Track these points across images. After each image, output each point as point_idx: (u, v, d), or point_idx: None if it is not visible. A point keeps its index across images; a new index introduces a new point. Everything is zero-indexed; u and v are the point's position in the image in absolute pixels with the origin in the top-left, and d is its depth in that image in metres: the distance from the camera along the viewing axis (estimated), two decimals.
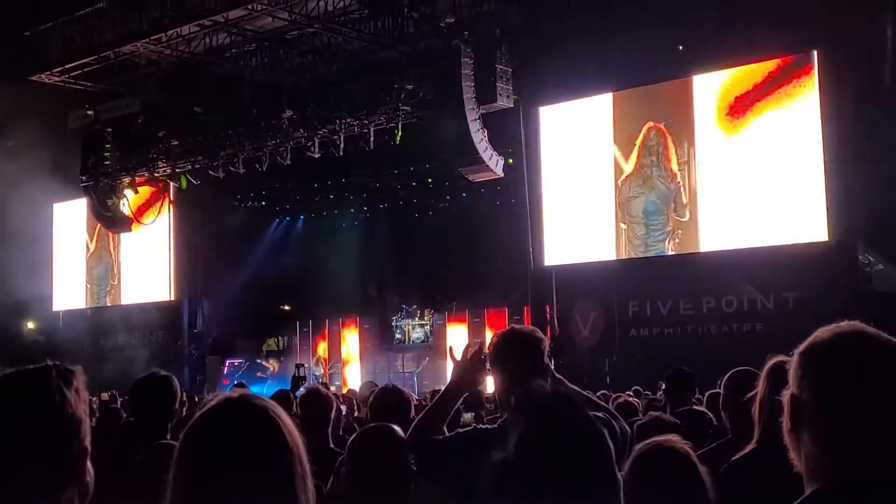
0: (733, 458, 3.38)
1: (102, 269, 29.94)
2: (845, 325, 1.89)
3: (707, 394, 6.55)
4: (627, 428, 3.78)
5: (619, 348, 19.99)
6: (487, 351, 3.52)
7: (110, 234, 28.83)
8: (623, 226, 20.23)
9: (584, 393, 3.80)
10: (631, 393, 11.42)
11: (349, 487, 2.71)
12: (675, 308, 19.73)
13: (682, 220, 19.49)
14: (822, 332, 1.88)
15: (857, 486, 1.75)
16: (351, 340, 27.47)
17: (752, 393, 3.35)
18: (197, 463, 1.64)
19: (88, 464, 1.78)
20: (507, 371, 3.38)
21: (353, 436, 2.85)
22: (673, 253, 19.64)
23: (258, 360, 28.53)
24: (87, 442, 1.77)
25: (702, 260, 19.26)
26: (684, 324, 19.56)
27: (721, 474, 2.88)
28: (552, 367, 3.58)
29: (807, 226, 17.86)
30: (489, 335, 24.16)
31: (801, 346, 1.90)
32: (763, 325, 18.48)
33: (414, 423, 3.36)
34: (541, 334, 3.50)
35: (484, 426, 3.36)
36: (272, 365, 27.84)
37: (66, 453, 1.73)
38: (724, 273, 18.88)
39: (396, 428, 2.84)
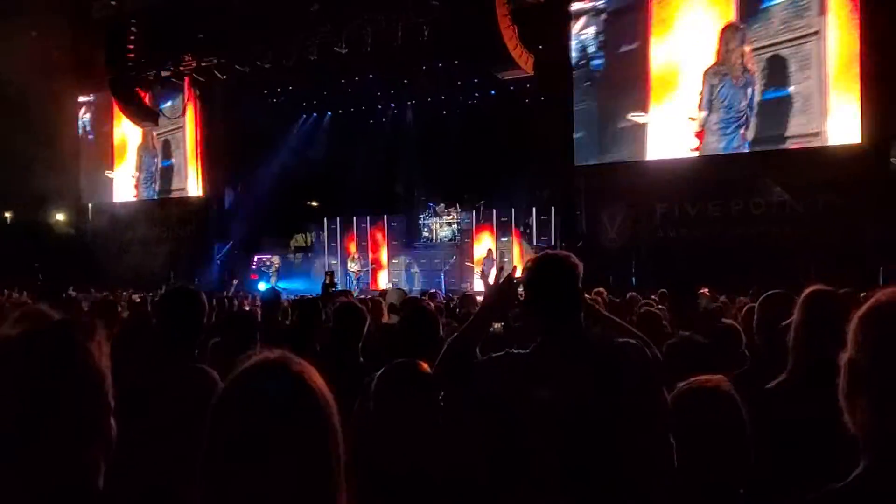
0: (767, 387, 3.33)
1: (128, 163, 30.01)
2: None
3: (745, 308, 6.46)
4: (657, 353, 3.74)
5: (646, 250, 19.91)
6: (521, 276, 3.46)
7: (137, 128, 28.78)
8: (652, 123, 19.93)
9: (615, 319, 3.74)
10: (657, 297, 11.37)
11: (378, 422, 2.70)
12: (703, 210, 19.56)
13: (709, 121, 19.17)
14: (884, 295, 1.78)
15: None
16: (378, 238, 27.55)
17: (788, 321, 3.28)
18: (231, 430, 1.63)
19: (112, 419, 1.76)
20: (541, 299, 3.32)
21: (381, 372, 2.82)
22: (704, 154, 19.37)
23: (286, 256, 28.75)
24: (110, 397, 1.75)
25: (731, 162, 18.99)
26: (712, 226, 19.41)
27: (754, 403, 2.82)
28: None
29: (840, 128, 17.52)
30: (515, 235, 24.21)
31: (861, 310, 1.80)
32: (792, 227, 18.30)
33: (448, 347, 3.34)
34: (575, 260, 3.42)
35: (517, 351, 3.30)
36: (300, 262, 28.08)
37: (90, 409, 1.71)
38: (754, 175, 18.66)
39: (423, 366, 2.81)
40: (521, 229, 23.99)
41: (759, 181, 18.76)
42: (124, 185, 30.19)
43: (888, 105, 16.89)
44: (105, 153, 30.53)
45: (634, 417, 1.81)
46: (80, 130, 30.86)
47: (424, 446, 2.71)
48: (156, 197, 29.44)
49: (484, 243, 25.08)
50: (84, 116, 30.80)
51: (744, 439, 2.44)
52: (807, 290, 3.24)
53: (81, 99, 30.37)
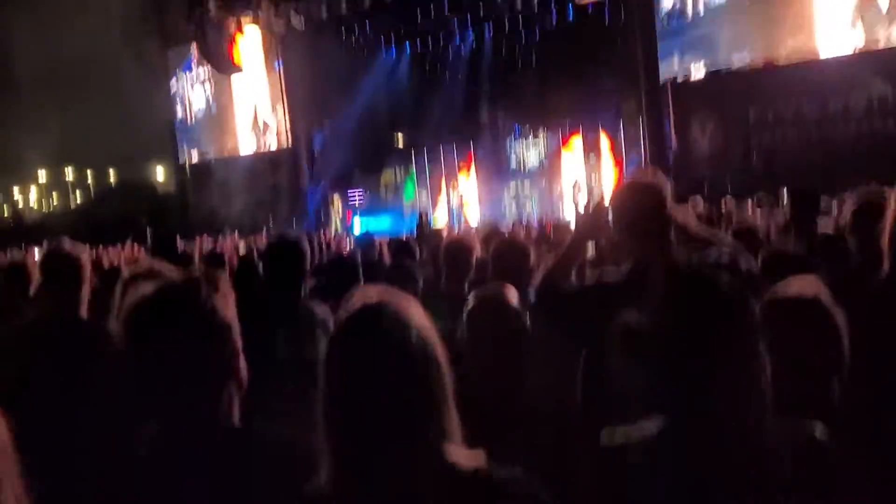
0: (862, 288, 3.34)
1: (220, 116, 30.51)
2: None
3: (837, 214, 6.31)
4: (754, 262, 3.76)
5: (740, 156, 19.51)
6: (609, 203, 3.52)
7: (223, 78, 29.17)
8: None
9: (706, 233, 3.77)
10: (753, 201, 11.17)
11: (468, 349, 2.81)
12: (798, 111, 19.00)
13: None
14: None
15: None
16: (468, 169, 27.57)
17: (882, 221, 3.26)
18: (343, 372, 1.74)
19: (242, 361, 1.93)
20: (629, 225, 3.39)
21: (471, 301, 2.94)
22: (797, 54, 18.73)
23: (376, 193, 29.02)
24: (239, 343, 1.92)
25: (826, 63, 18.35)
26: (809, 127, 18.86)
27: (852, 308, 2.85)
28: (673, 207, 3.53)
29: None
30: (605, 156, 23.96)
31: None
32: (894, 122, 17.68)
33: (543, 276, 3.45)
34: (662, 183, 3.46)
35: (607, 281, 3.39)
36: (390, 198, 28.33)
37: (221, 354, 1.89)
38: (852, 73, 18.01)
39: (511, 293, 2.91)
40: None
41: (858, 77, 18.07)
42: (215, 136, 30.73)
43: None
44: (196, 108, 31.02)
45: (723, 349, 1.87)
46: (171, 85, 31.36)
47: (513, 374, 2.83)
48: (248, 151, 29.94)
49: (572, 166, 24.89)
50: (173, 69, 31.24)
51: (836, 339, 2.48)
52: None
53: (170, 52, 30.77)
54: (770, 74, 19.05)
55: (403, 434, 1.71)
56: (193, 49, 27.91)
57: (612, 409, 2.51)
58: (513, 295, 2.93)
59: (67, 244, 3.83)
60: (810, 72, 18.48)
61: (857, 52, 17.96)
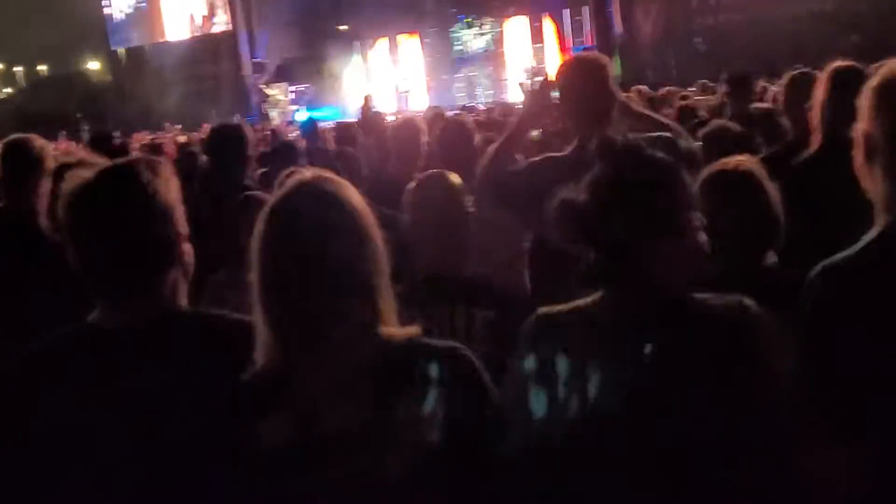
0: (795, 162, 3.44)
1: (155, 4, 29.60)
2: None
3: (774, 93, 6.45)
4: (693, 143, 3.83)
5: (683, 40, 19.51)
6: (554, 80, 3.54)
7: None
8: None
9: (648, 113, 3.83)
10: (696, 88, 11.27)
11: (411, 234, 2.84)
12: None
13: None
14: (894, 64, 1.85)
15: None
16: (413, 56, 27.24)
17: (812, 101, 3.34)
18: (276, 248, 1.74)
19: (186, 245, 1.94)
20: (573, 100, 3.42)
21: (412, 184, 2.96)
22: None
23: (321, 83, 28.56)
24: (182, 226, 1.92)
25: None
26: (748, 9, 18.85)
27: (781, 178, 2.94)
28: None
29: None
30: (549, 41, 23.79)
31: (873, 80, 1.87)
32: (833, 4, 17.74)
33: (490, 157, 3.48)
34: (605, 60, 3.49)
35: (551, 159, 3.43)
36: (335, 88, 27.86)
37: (165, 238, 1.89)
38: None
39: (451, 176, 2.93)
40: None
41: None
42: (151, 25, 29.86)
43: None
44: None
45: (657, 219, 1.91)
46: None
47: (458, 250, 2.86)
48: (185, 36, 29.16)
49: (518, 52, 24.70)
50: None
51: (771, 210, 2.57)
52: (829, 67, 3.29)
53: None
54: None
55: (338, 314, 1.71)
56: None
57: (556, 286, 2.57)
58: (454, 177, 2.95)
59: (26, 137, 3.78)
60: None
61: None
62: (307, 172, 1.83)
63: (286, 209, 1.76)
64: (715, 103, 7.29)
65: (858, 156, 1.89)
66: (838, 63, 3.29)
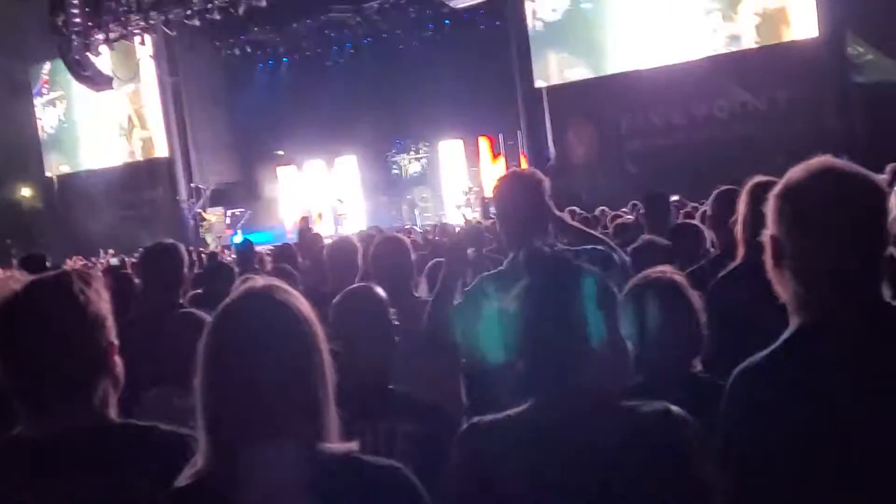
0: (719, 275, 3.54)
1: (90, 130, 29.68)
2: (816, 162, 1.93)
3: (701, 211, 6.67)
4: (626, 257, 3.93)
5: (615, 163, 20.08)
6: (491, 196, 3.65)
7: (93, 93, 28.39)
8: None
9: (581, 227, 3.93)
10: (627, 209, 11.57)
11: (335, 343, 2.85)
12: (667, 118, 19.67)
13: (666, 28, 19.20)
14: (795, 172, 1.93)
15: (840, 321, 1.85)
16: (350, 180, 27.56)
17: (736, 215, 3.47)
18: (222, 357, 1.71)
19: (117, 357, 1.93)
20: (510, 216, 3.50)
21: (337, 299, 2.98)
22: (660, 65, 19.41)
23: (258, 208, 28.64)
24: (113, 337, 1.91)
25: (692, 67, 19.06)
26: (677, 132, 19.55)
27: (708, 291, 3.03)
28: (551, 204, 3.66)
29: (796, 22, 17.61)
30: (484, 163, 24.27)
31: (776, 188, 1.96)
32: (756, 127, 18.49)
33: (431, 303, 3.57)
34: (540, 176, 3.59)
35: (489, 272, 3.50)
36: (272, 212, 27.96)
37: (96, 349, 1.87)
38: (715, 78, 18.79)
39: (376, 290, 2.96)
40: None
41: (719, 84, 18.86)
42: (87, 150, 29.88)
43: None
44: (63, 122, 30.14)
45: (585, 328, 1.96)
46: (35, 99, 30.37)
47: (381, 363, 2.86)
48: (120, 163, 29.17)
49: (453, 175, 25.17)
50: (39, 84, 30.28)
51: (694, 319, 2.65)
52: (749, 183, 3.43)
53: (32, 68, 29.85)
54: (638, 81, 19.67)
55: (280, 428, 1.68)
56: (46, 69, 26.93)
57: (488, 398, 2.58)
58: (379, 291, 2.98)
59: None
60: (675, 77, 19.15)
61: (717, 55, 18.73)
62: (259, 280, 1.82)
63: (235, 315, 1.74)
64: (632, 222, 7.54)
65: (768, 261, 1.96)
66: (758, 178, 3.43)
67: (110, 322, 1.90)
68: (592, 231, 4.16)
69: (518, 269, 3.09)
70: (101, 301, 1.89)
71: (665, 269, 2.79)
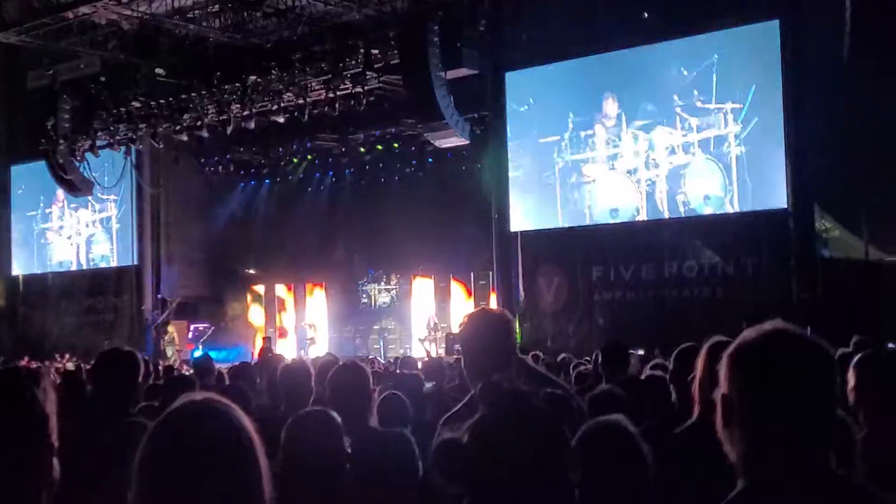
0: (673, 433, 3.54)
1: (63, 233, 29.65)
2: (769, 325, 1.96)
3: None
4: (583, 405, 3.92)
5: (583, 312, 20.22)
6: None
7: (72, 198, 28.51)
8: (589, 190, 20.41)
9: (543, 371, 3.94)
10: (590, 359, 11.58)
11: (286, 469, 2.79)
12: (637, 273, 19.94)
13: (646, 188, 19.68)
14: (748, 334, 1.96)
15: (784, 485, 1.85)
16: (318, 305, 27.55)
17: (694, 373, 3.50)
18: (157, 472, 1.67)
19: (55, 460, 1.87)
20: (474, 352, 3.49)
21: (290, 420, 2.94)
22: (638, 219, 19.82)
23: (223, 324, 28.46)
24: (54, 438, 1.86)
25: (665, 226, 19.47)
26: (646, 288, 19.79)
27: (660, 446, 3.02)
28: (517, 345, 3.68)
29: (768, 193, 18.11)
30: (455, 300, 24.39)
31: (729, 348, 1.98)
32: (723, 289, 18.78)
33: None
34: (508, 316, 3.62)
35: (448, 414, 3.47)
36: (237, 330, 27.76)
37: (35, 449, 1.82)
38: (687, 239, 19.18)
39: (332, 414, 2.94)
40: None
41: (690, 245, 19.26)
42: (58, 253, 29.77)
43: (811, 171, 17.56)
44: (37, 223, 30.12)
45: (540, 463, 1.95)
46: (12, 199, 30.42)
47: (332, 492, 2.81)
48: (90, 266, 29.05)
49: (422, 308, 25.24)
50: (16, 185, 30.37)
51: (640, 472, 2.63)
52: (708, 342, 3.47)
53: (14, 168, 30.02)
54: (611, 234, 20.05)
55: None
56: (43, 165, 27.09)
57: None
58: (334, 416, 2.95)
59: None
60: (648, 234, 19.55)
61: (691, 217, 19.18)
62: (198, 394, 1.79)
63: (172, 426, 1.71)
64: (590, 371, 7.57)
65: (718, 419, 1.97)
66: (716, 338, 3.47)
67: (53, 423, 1.86)
68: (552, 375, 4.16)
69: (474, 406, 3.07)
70: (47, 401, 1.85)
71: (619, 418, 2.78)
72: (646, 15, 19.24)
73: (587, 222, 20.48)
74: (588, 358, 11.59)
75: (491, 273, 22.65)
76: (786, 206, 17.85)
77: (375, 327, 26.16)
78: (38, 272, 30.08)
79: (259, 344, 22.01)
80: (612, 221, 20.15)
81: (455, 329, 20.81)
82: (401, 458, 3.80)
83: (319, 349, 25.43)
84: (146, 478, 1.66)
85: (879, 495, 1.88)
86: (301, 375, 4.75)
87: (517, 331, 3.62)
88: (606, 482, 2.51)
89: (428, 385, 6.51)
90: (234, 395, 4.96)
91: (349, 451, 2.87)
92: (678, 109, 19.10)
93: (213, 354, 23.52)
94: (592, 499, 2.05)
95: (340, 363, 4.82)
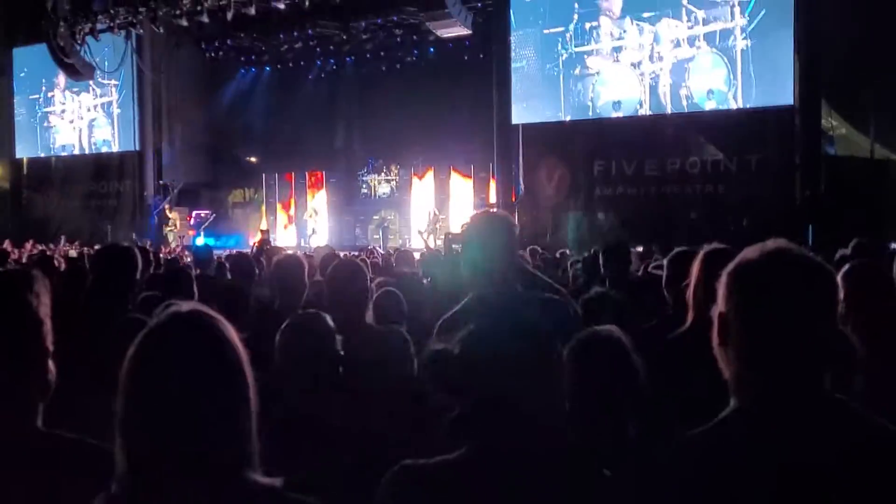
0: (667, 338, 3.57)
1: (65, 117, 29.44)
2: (771, 243, 1.94)
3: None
4: (577, 308, 3.94)
5: (584, 206, 20.20)
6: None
7: (73, 81, 28.21)
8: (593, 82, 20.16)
9: (540, 276, 3.95)
10: (588, 254, 11.61)
11: (280, 376, 2.82)
12: (640, 168, 19.84)
13: (650, 81, 19.42)
14: (749, 252, 1.94)
15: (776, 406, 1.86)
16: (318, 194, 27.54)
17: (688, 279, 3.50)
18: (144, 385, 1.68)
19: (50, 362, 1.89)
20: (474, 255, 3.49)
21: (284, 324, 2.96)
22: (641, 112, 19.63)
23: (225, 211, 28.53)
24: (49, 342, 1.88)
25: (668, 121, 19.29)
26: (648, 184, 19.72)
27: (653, 352, 3.04)
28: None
29: (774, 89, 17.88)
30: (455, 191, 24.37)
31: (729, 266, 1.96)
32: (725, 186, 18.72)
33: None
34: (512, 220, 3.60)
35: (447, 315, 3.48)
36: (237, 217, 27.79)
37: (30, 353, 1.84)
38: (690, 135, 19.03)
39: (324, 318, 2.95)
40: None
41: (693, 140, 19.12)
42: (60, 137, 29.60)
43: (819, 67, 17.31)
44: (40, 106, 29.89)
45: (530, 378, 1.97)
46: (14, 82, 30.11)
47: (321, 398, 2.85)
48: (93, 151, 28.94)
49: (422, 201, 25.25)
50: (18, 68, 30.01)
51: (633, 382, 2.66)
52: (704, 250, 3.46)
53: (16, 50, 29.61)
54: (614, 128, 19.87)
55: (201, 457, 1.65)
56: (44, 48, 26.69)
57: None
58: (327, 320, 2.97)
59: None
60: (652, 128, 19.36)
61: (695, 112, 18.97)
62: (184, 305, 1.78)
63: (157, 342, 1.71)
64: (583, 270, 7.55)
65: (714, 337, 1.96)
66: (712, 246, 3.46)
67: (47, 327, 1.87)
68: (549, 280, 4.17)
69: (469, 311, 3.10)
70: (41, 305, 1.86)
71: (612, 329, 2.80)
72: None
73: (590, 115, 20.27)
74: (587, 253, 11.63)
75: (491, 165, 22.58)
76: (791, 103, 17.64)
77: (375, 217, 26.22)
78: (42, 156, 29.95)
79: (258, 236, 22.07)
80: (614, 115, 19.95)
81: (454, 228, 20.87)
82: (395, 355, 3.83)
83: (320, 238, 25.56)
84: (130, 392, 1.68)
85: (872, 420, 1.88)
86: (294, 270, 4.76)
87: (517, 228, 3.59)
88: (596, 396, 2.54)
89: (426, 282, 6.56)
90: (233, 289, 5.02)
91: (342, 352, 2.89)
92: (684, 1, 18.71)
93: (212, 242, 23.77)
94: (583, 413, 2.08)
95: (339, 259, 4.84)
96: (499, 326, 2.01)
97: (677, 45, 18.95)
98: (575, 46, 20.20)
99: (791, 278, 1.88)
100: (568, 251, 13.62)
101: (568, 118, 20.51)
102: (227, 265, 7.79)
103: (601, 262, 6.37)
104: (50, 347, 1.88)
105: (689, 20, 18.73)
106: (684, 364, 3.15)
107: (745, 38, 18.11)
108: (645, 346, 2.93)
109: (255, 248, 14.61)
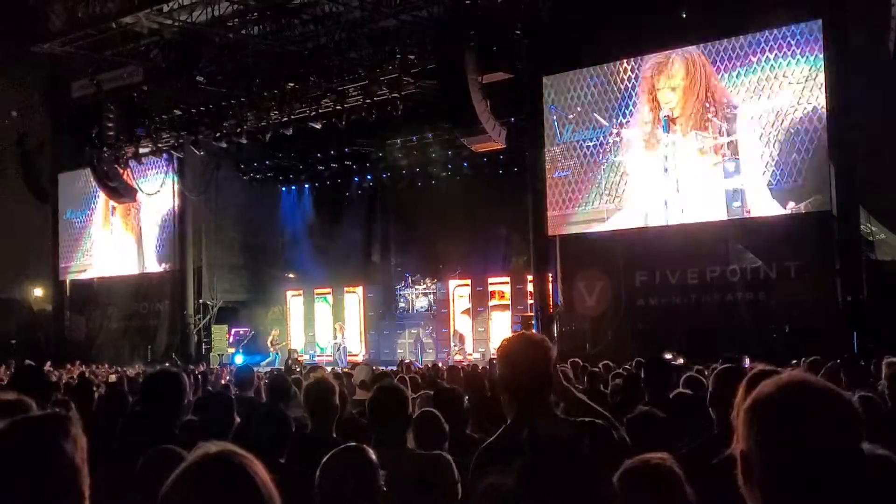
0: (712, 463, 3.46)
1: (108, 239, 30.04)
2: (787, 376, 1.87)
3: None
4: (623, 434, 3.86)
5: (623, 316, 20.03)
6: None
7: (116, 204, 28.93)
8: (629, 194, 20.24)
9: (583, 399, 3.87)
10: (630, 366, 11.47)
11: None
12: (682, 277, 19.67)
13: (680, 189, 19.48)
14: (766, 386, 1.86)
15: None
16: (355, 309, 27.63)
17: (734, 401, 3.41)
18: None
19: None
20: (513, 377, 3.45)
21: (327, 457, 2.93)
22: (679, 223, 19.59)
23: (262, 328, 28.64)
24: (86, 487, 1.86)
25: (707, 230, 19.22)
26: (689, 293, 19.54)
27: (699, 478, 2.96)
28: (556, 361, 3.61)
29: (812, 196, 17.81)
30: (492, 304, 24.33)
31: (747, 402, 1.88)
32: (765, 293, 18.52)
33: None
34: (549, 343, 3.55)
35: (485, 444, 3.41)
36: (275, 335, 27.89)
37: (65, 500, 1.82)
38: (729, 242, 18.96)
39: (366, 452, 2.92)
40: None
41: (732, 248, 19.02)
42: (103, 261, 30.14)
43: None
44: (82, 229, 30.59)
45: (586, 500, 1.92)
46: (60, 206, 30.91)
47: None
48: (133, 272, 29.40)
49: (460, 314, 25.27)
50: (63, 192, 30.86)
51: None
52: (750, 372, 3.38)
53: (61, 176, 30.53)
54: (651, 238, 19.84)
55: None
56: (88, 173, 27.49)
57: None
58: (369, 454, 2.93)
59: None
60: (689, 237, 19.29)
61: (733, 219, 18.93)
62: (213, 446, 1.76)
63: (186, 487, 1.69)
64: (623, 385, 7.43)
65: (740, 476, 1.87)
66: (759, 367, 3.39)
67: (84, 474, 1.85)
68: (593, 404, 4.09)
69: (513, 439, 3.04)
70: (77, 450, 1.85)
71: (663, 457, 2.72)
72: (684, 15, 19.04)
73: (628, 225, 20.28)
74: (628, 365, 11.48)
75: (529, 277, 22.59)
76: (829, 209, 17.55)
77: (413, 331, 26.17)
78: (84, 277, 30.46)
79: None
80: (651, 225, 19.95)
81: (493, 343, 20.79)
82: (439, 481, 3.77)
83: (352, 348, 25.59)
84: None
85: None
86: (322, 395, 4.75)
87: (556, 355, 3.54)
88: None
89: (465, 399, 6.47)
90: (273, 416, 4.97)
91: (384, 487, 2.85)
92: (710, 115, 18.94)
93: (252, 359, 23.88)
94: None
95: (378, 385, 4.80)
96: (552, 463, 1.98)
97: (709, 154, 19.06)
98: (613, 156, 20.37)
99: (808, 413, 1.78)
100: (611, 363, 13.47)
101: (606, 228, 20.47)
102: (265, 389, 7.76)
103: (642, 377, 6.28)
104: (87, 493, 1.86)
105: (719, 132, 18.88)
106: (731, 490, 3.06)
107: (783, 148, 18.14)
108: (690, 469, 2.85)
109: (288, 362, 14.62)
